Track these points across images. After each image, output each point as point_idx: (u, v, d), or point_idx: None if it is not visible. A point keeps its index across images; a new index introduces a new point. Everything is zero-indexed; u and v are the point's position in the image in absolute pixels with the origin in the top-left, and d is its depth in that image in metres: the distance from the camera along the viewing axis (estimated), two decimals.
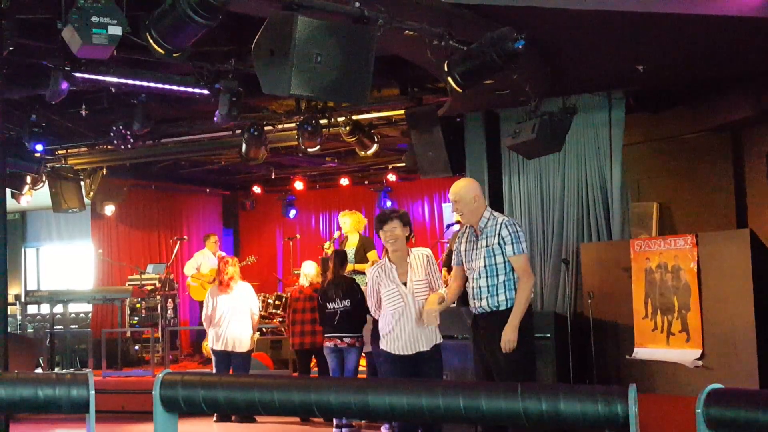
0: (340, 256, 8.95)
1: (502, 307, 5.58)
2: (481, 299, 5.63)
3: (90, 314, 13.79)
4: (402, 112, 10.07)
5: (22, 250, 16.83)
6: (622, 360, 7.46)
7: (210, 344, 9.44)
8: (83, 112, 9.78)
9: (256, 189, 16.02)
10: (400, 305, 5.84)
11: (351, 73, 5.22)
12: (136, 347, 12.88)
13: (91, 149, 12.28)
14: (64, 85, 7.98)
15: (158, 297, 12.98)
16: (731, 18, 5.96)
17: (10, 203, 9.98)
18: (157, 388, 4.22)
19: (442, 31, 5.97)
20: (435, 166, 9.47)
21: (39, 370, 11.41)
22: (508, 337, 5.46)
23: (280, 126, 10.82)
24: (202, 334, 12.66)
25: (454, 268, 5.94)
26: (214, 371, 9.43)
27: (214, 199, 16.80)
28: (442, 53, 6.17)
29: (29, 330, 13.42)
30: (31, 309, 13.73)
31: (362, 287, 8.72)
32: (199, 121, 10.87)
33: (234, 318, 9.18)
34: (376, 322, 6.43)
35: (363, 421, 8.58)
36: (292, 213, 16.11)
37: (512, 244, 5.57)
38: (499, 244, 5.59)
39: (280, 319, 11.91)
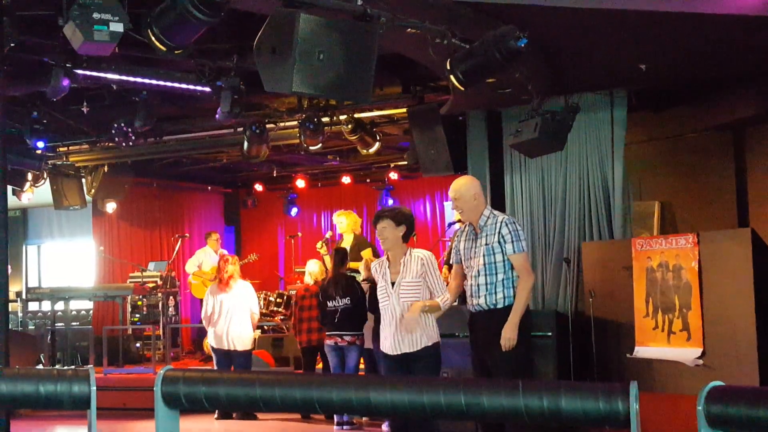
0: (340, 254, 8.96)
1: (500, 306, 5.58)
2: (479, 297, 5.63)
3: (91, 311, 13.79)
4: (404, 110, 10.06)
5: (24, 247, 16.83)
6: (623, 359, 7.46)
7: (210, 343, 9.45)
8: (85, 109, 9.79)
9: (258, 187, 16.02)
10: (386, 304, 5.84)
11: (353, 71, 5.21)
12: (138, 344, 12.89)
13: (92, 146, 12.28)
14: (66, 82, 7.98)
15: (159, 294, 12.99)
16: (733, 17, 5.96)
17: (12, 200, 9.99)
18: (159, 385, 4.22)
19: (445, 29, 5.97)
20: (437, 165, 9.47)
21: (40, 367, 11.41)
22: (508, 335, 5.46)
23: (281, 124, 10.82)
24: (203, 332, 12.64)
25: (454, 266, 5.94)
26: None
27: (215, 197, 16.80)
28: (445, 51, 6.16)
29: (30, 327, 13.42)
30: (33, 306, 13.72)
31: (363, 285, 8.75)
32: (201, 118, 10.88)
33: (233, 317, 9.18)
34: (377, 320, 6.43)
35: (364, 418, 8.59)
36: (294, 211, 16.12)
37: (512, 242, 5.57)
38: (498, 242, 5.59)
39: (282, 317, 11.92)
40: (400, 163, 13.90)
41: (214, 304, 9.24)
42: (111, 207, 13.88)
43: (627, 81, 8.14)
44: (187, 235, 14.93)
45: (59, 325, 12.68)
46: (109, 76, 8.34)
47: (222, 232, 15.79)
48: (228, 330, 9.18)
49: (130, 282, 13.28)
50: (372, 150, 11.02)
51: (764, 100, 8.20)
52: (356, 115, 10.53)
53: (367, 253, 10.10)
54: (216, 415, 9.29)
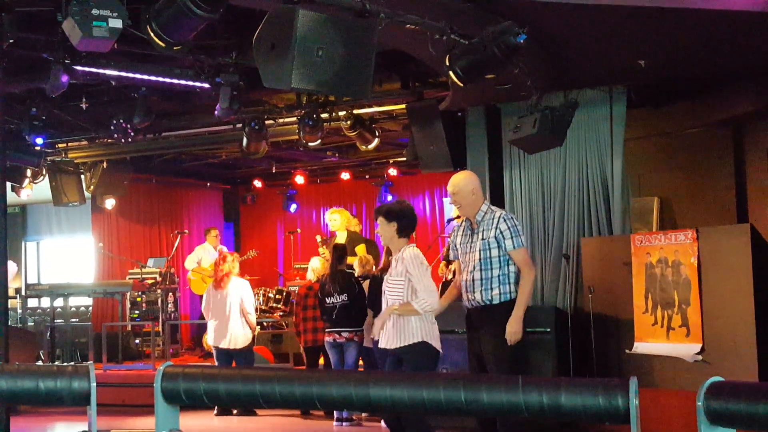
0: (339, 251, 8.96)
1: (496, 302, 5.58)
2: (474, 292, 5.64)
3: (90, 308, 13.81)
4: (403, 106, 10.06)
5: (23, 243, 16.82)
6: (623, 354, 7.47)
7: (209, 341, 9.49)
8: (84, 106, 9.78)
9: (257, 183, 16.01)
10: (384, 298, 5.90)
11: (352, 67, 5.21)
12: (137, 341, 12.90)
13: (91, 143, 12.28)
14: (65, 78, 7.97)
15: (159, 291, 12.99)
16: (733, 13, 5.95)
17: (11, 197, 10.00)
18: (159, 381, 4.22)
19: (444, 25, 5.96)
20: (436, 161, 9.47)
21: (39, 364, 11.42)
22: (514, 329, 5.48)
23: (281, 120, 10.82)
24: (202, 328, 12.67)
25: (455, 262, 5.96)
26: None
27: (214, 193, 16.80)
28: (444, 47, 6.16)
29: (30, 324, 13.43)
30: (32, 302, 13.72)
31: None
32: (200, 114, 10.87)
33: (230, 315, 9.20)
34: (375, 316, 6.43)
35: (363, 414, 8.60)
36: (293, 207, 16.11)
37: (512, 238, 5.58)
38: (495, 237, 5.59)
39: (281, 313, 11.92)
40: (399, 159, 13.89)
41: (212, 302, 9.27)
42: (110, 203, 13.87)
43: (626, 77, 8.14)
44: (186, 231, 14.93)
45: (59, 321, 12.68)
46: (108, 72, 8.33)
47: (221, 229, 15.80)
48: (224, 328, 9.20)
49: (130, 278, 13.28)
50: (371, 146, 11.02)
51: (763, 96, 8.19)
52: (355, 111, 10.53)
53: (361, 249, 10.13)
54: (215, 412, 9.30)
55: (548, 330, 7.61)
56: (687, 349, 6.89)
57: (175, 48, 5.61)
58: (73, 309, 13.60)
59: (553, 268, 8.61)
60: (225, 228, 16.62)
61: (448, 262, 9.36)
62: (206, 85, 8.58)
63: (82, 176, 13.17)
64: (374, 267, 8.94)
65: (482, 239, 5.62)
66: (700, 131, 9.25)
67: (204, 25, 5.40)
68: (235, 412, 9.32)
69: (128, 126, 9.92)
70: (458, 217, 9.10)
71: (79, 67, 8.02)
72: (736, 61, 7.57)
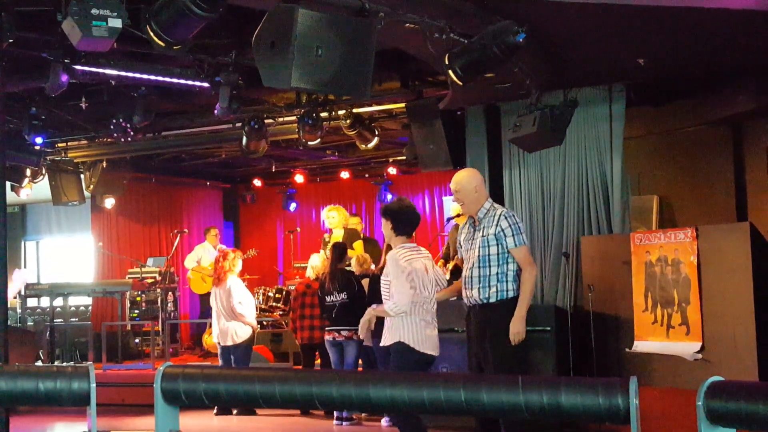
0: (339, 249, 8.97)
1: (493, 300, 5.57)
2: (472, 289, 5.63)
3: (90, 307, 13.80)
4: (402, 105, 10.06)
5: (22, 243, 16.83)
6: (622, 353, 7.47)
7: (214, 339, 9.55)
8: (83, 105, 9.77)
9: (257, 182, 16.00)
10: None
11: (352, 66, 5.21)
12: (137, 340, 12.89)
13: (91, 142, 12.28)
14: (64, 78, 7.97)
15: (158, 290, 12.99)
16: (732, 11, 5.95)
17: (10, 196, 10.00)
18: (158, 381, 4.22)
19: (443, 24, 5.96)
20: (435, 160, 9.47)
21: (39, 363, 11.42)
22: (516, 329, 5.46)
23: (280, 119, 10.81)
24: (202, 327, 12.68)
25: (453, 261, 5.96)
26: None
27: (214, 192, 16.79)
28: (443, 46, 6.16)
29: (29, 323, 13.42)
30: (31, 302, 13.71)
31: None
32: (200, 113, 10.87)
33: (222, 312, 9.22)
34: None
35: (363, 414, 8.60)
36: (293, 206, 16.10)
37: (513, 236, 5.56)
38: (495, 235, 5.58)
39: (281, 312, 11.92)
40: (398, 158, 13.88)
41: (214, 300, 9.31)
42: (110, 203, 13.87)
43: (626, 75, 8.14)
44: (185, 230, 14.92)
45: (58, 321, 12.68)
46: (108, 71, 8.33)
47: (221, 228, 15.78)
48: (221, 325, 9.22)
49: (129, 278, 13.27)
50: (371, 145, 11.02)
51: (763, 94, 8.19)
52: (355, 110, 10.53)
53: (358, 246, 10.13)
54: (215, 411, 9.30)
55: (548, 329, 7.60)
56: (687, 347, 6.89)
57: (174, 47, 5.61)
58: (73, 308, 13.60)
59: (553, 267, 8.61)
60: (225, 227, 16.61)
61: (446, 261, 9.35)
62: (206, 85, 8.58)
63: (82, 176, 13.17)
64: (373, 266, 8.94)
65: (483, 236, 5.61)
66: (700, 130, 9.25)
67: (203, 25, 5.40)
68: (235, 411, 9.32)
69: (128, 125, 9.91)
70: (458, 215, 9.15)
71: (78, 67, 8.02)
72: (735, 59, 7.58)
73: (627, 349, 7.39)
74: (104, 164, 13.05)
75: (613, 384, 3.49)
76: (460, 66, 6.18)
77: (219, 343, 9.34)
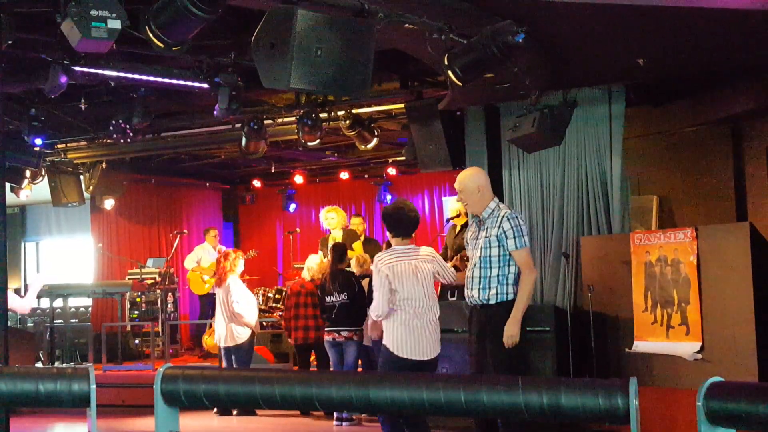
0: (339, 250, 8.97)
1: (492, 302, 5.56)
2: (472, 289, 5.63)
3: (90, 308, 13.80)
4: (402, 105, 10.06)
5: (22, 244, 16.83)
6: (622, 353, 7.46)
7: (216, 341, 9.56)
8: (82, 106, 9.77)
9: (256, 183, 16.01)
10: None
11: (351, 66, 5.22)
12: (137, 341, 12.90)
13: (90, 143, 12.28)
14: (63, 79, 7.97)
15: (158, 291, 12.99)
16: (732, 11, 5.95)
17: (10, 197, 9.99)
18: (158, 383, 4.22)
19: (442, 24, 5.96)
20: (435, 160, 9.46)
21: (39, 365, 11.42)
22: (511, 332, 5.44)
23: (279, 120, 10.81)
24: (202, 328, 12.67)
25: (451, 261, 5.96)
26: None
27: (213, 193, 16.80)
28: (442, 47, 6.16)
29: (29, 324, 13.42)
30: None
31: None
32: (199, 114, 10.87)
33: (223, 313, 9.22)
34: None
35: (363, 414, 8.60)
36: (292, 207, 16.11)
37: (514, 238, 5.54)
38: (497, 236, 5.56)
39: (280, 313, 11.92)
40: (398, 158, 13.88)
41: (216, 301, 9.32)
42: (109, 204, 13.87)
43: (625, 76, 8.13)
44: (185, 231, 14.93)
45: (58, 322, 12.68)
46: (107, 72, 8.33)
47: (220, 228, 15.80)
48: (223, 326, 9.22)
49: (129, 279, 13.28)
50: (370, 145, 11.02)
51: (762, 94, 8.19)
52: (354, 111, 10.53)
53: (358, 247, 10.13)
54: (215, 411, 9.30)
55: (548, 329, 7.60)
56: (687, 347, 6.89)
57: (174, 48, 5.60)
58: (73, 309, 13.59)
59: (553, 267, 8.60)
60: (224, 228, 16.62)
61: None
62: (205, 85, 8.58)
63: (81, 177, 13.17)
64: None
65: (485, 237, 5.60)
66: (700, 130, 9.24)
67: (203, 26, 5.39)
68: (235, 412, 9.32)
69: (127, 126, 9.91)
70: (456, 216, 9.16)
71: (77, 68, 8.01)
72: (735, 59, 7.57)
73: (627, 350, 7.39)
74: (104, 165, 13.05)
75: (613, 385, 3.49)
76: (460, 66, 6.18)
77: (221, 345, 9.34)
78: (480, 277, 5.59)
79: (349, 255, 9.32)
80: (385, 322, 5.77)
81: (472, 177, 5.77)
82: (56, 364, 11.68)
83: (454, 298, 8.33)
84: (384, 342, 5.77)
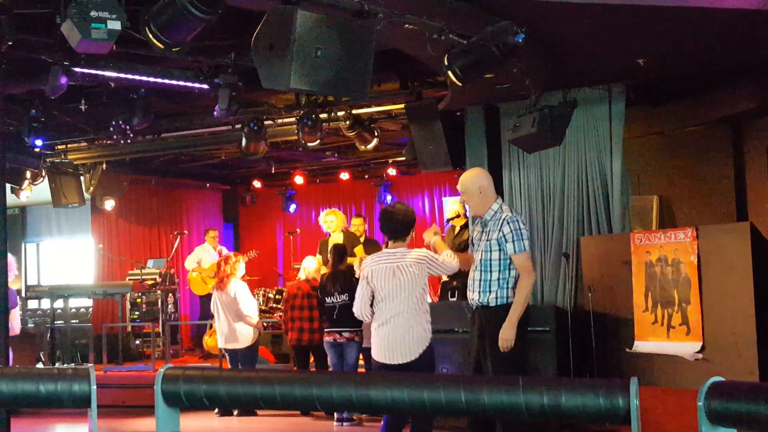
0: (339, 251, 8.96)
1: (492, 305, 5.55)
2: (473, 291, 5.64)
3: (90, 309, 13.80)
4: (402, 106, 10.06)
5: (22, 245, 16.82)
6: (623, 353, 7.46)
7: (218, 344, 9.55)
8: (83, 107, 9.77)
9: (256, 183, 16.02)
10: None
11: (351, 67, 5.22)
12: (137, 342, 12.90)
13: (90, 144, 12.28)
14: (64, 80, 7.97)
15: (159, 292, 12.99)
16: (732, 11, 5.95)
17: (10, 198, 10.00)
18: (159, 383, 4.22)
19: (442, 25, 5.96)
20: (435, 160, 9.46)
21: (40, 365, 11.42)
22: (506, 336, 5.42)
23: (279, 120, 10.81)
24: (202, 329, 12.67)
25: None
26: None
27: (214, 194, 16.80)
28: (442, 47, 6.16)
29: (30, 325, 13.42)
30: (32, 304, 13.73)
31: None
32: (199, 115, 10.87)
33: (227, 315, 9.21)
34: None
35: (364, 414, 8.60)
36: (293, 207, 16.11)
37: (513, 242, 5.51)
38: (498, 240, 5.54)
39: (281, 314, 11.92)
40: (398, 159, 13.89)
41: (216, 303, 9.31)
42: (110, 204, 13.88)
43: (625, 76, 8.13)
44: (185, 232, 14.93)
45: (59, 322, 12.69)
46: (107, 73, 8.33)
47: (220, 229, 15.80)
48: (226, 329, 9.22)
49: (129, 279, 13.29)
50: (370, 146, 11.02)
51: (763, 93, 8.19)
52: (354, 111, 10.53)
53: (359, 250, 10.12)
54: (216, 412, 9.30)
55: (548, 329, 7.60)
56: (687, 347, 6.89)
57: (173, 49, 5.60)
58: (73, 310, 13.60)
59: (553, 267, 8.60)
60: (224, 228, 16.62)
61: None
62: (205, 86, 8.58)
63: (82, 177, 13.17)
64: None
65: (487, 240, 5.59)
66: (700, 129, 9.25)
67: (203, 27, 5.40)
68: (235, 412, 9.32)
69: (127, 127, 9.90)
70: (455, 217, 9.16)
71: (78, 69, 8.02)
72: (735, 59, 7.58)
73: (627, 350, 7.39)
74: (104, 166, 13.06)
75: (613, 385, 3.49)
76: (460, 67, 6.18)
77: (223, 348, 9.34)
78: (481, 280, 5.59)
79: (350, 261, 9.28)
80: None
81: (473, 178, 5.75)
82: (57, 365, 11.68)
83: (455, 299, 8.33)
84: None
